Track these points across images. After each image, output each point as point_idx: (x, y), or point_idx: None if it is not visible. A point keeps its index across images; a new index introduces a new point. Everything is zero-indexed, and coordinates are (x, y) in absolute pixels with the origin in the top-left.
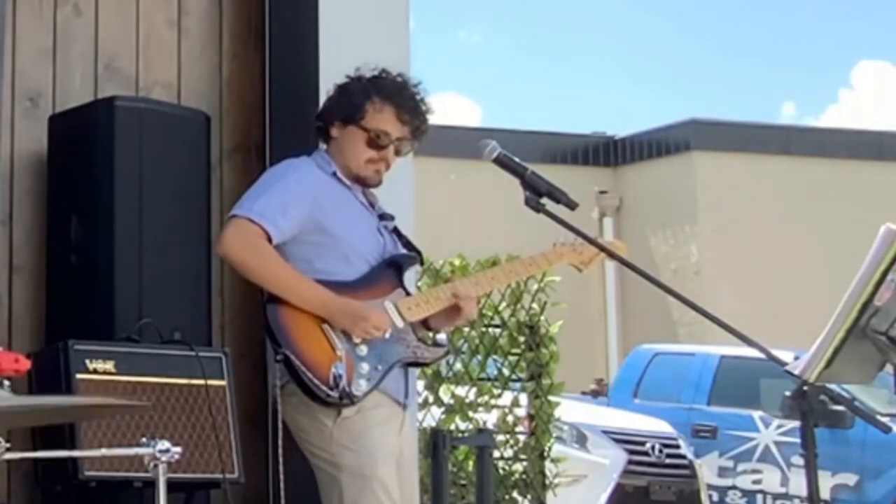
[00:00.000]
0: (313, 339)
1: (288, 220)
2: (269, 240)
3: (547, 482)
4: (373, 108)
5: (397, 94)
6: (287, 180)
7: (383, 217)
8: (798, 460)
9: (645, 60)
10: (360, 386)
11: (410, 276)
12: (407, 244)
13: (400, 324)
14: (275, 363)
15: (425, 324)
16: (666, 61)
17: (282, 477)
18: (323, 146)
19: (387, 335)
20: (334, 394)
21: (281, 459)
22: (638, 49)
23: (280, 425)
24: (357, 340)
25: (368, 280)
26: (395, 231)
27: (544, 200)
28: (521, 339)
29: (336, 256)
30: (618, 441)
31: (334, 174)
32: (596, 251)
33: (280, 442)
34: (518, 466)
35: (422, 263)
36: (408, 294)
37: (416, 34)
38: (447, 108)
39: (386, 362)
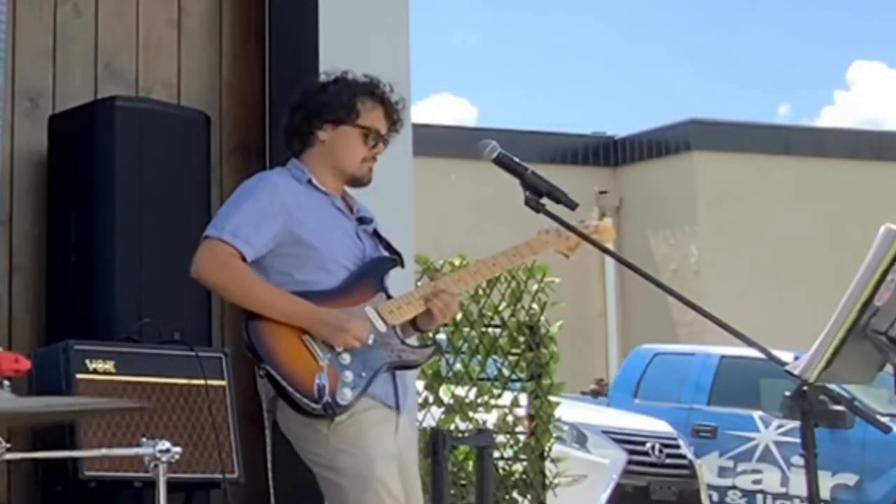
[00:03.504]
0: (295, 351)
1: (261, 237)
2: (243, 258)
3: (547, 482)
4: (363, 106)
5: (381, 92)
6: (259, 196)
7: (363, 221)
8: (798, 460)
9: (643, 61)
10: (345, 395)
11: (397, 278)
12: (388, 247)
13: (382, 328)
14: (259, 378)
15: (413, 325)
16: (663, 62)
17: (271, 480)
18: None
19: (370, 341)
20: (318, 406)
21: (270, 461)
22: (636, 49)
23: (268, 433)
24: (339, 349)
25: (348, 287)
26: (376, 233)
27: (544, 200)
28: (521, 339)
29: (315, 267)
30: (618, 441)
31: (309, 182)
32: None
33: (269, 448)
34: (518, 466)
35: (402, 265)
36: (389, 297)
37: (411, 35)
38: (443, 110)
39: (370, 368)
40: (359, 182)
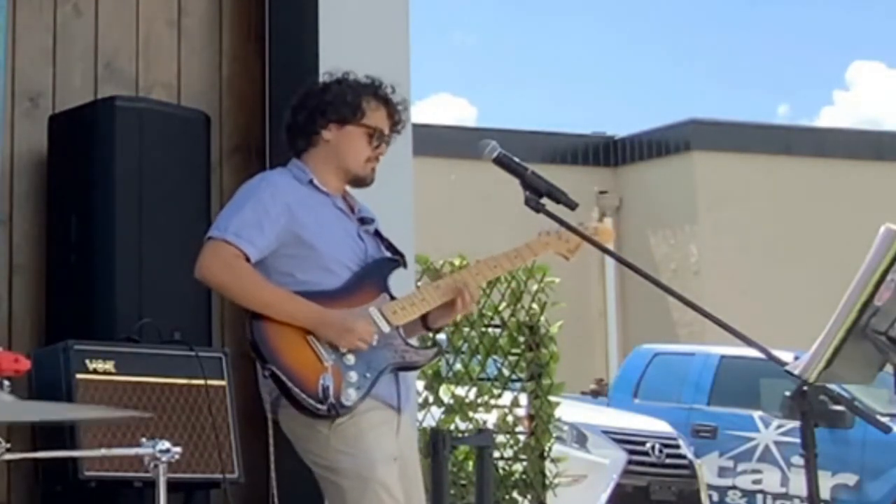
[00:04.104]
0: (300, 352)
1: (264, 237)
2: (247, 259)
3: (547, 482)
4: (368, 106)
5: (384, 92)
6: (261, 196)
7: (364, 221)
8: (798, 460)
9: (642, 61)
10: (350, 396)
11: (398, 278)
12: (389, 246)
13: (386, 329)
14: (263, 378)
15: (424, 322)
16: (664, 62)
17: (273, 480)
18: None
19: (374, 342)
20: (323, 407)
21: (272, 463)
22: (635, 50)
23: (271, 432)
24: (344, 350)
25: (351, 288)
26: (377, 234)
27: (544, 200)
28: (521, 339)
29: (317, 267)
30: (618, 441)
31: (311, 182)
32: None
33: (271, 449)
34: (518, 466)
35: (405, 266)
36: (392, 298)
37: (411, 35)
38: (442, 110)
39: (374, 369)
40: (362, 182)
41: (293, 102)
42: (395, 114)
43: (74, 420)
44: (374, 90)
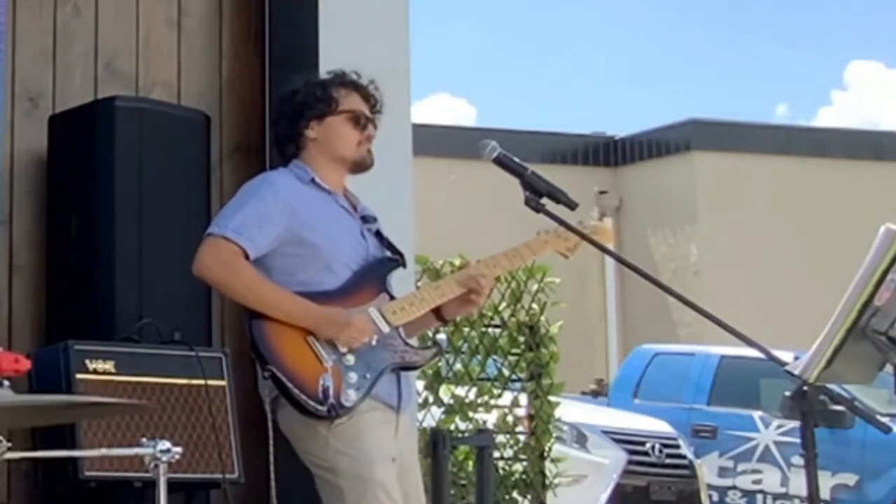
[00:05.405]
0: (299, 352)
1: (265, 235)
2: (247, 256)
3: (547, 482)
4: (339, 94)
5: (349, 79)
6: (262, 194)
7: (366, 219)
8: (798, 460)
9: (641, 61)
10: (350, 396)
11: (396, 278)
12: (390, 246)
13: (385, 329)
14: (262, 379)
15: (437, 314)
16: (662, 63)
17: (272, 480)
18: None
19: (373, 342)
20: (323, 408)
21: (272, 463)
22: (635, 50)
23: (271, 433)
24: (343, 350)
25: (352, 287)
26: (378, 233)
27: (544, 200)
28: (521, 339)
29: (318, 266)
30: (618, 441)
31: (312, 181)
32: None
33: (271, 449)
34: (518, 466)
35: (404, 266)
36: (392, 298)
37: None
38: (441, 110)
39: (374, 370)
40: (362, 166)
41: (272, 117)
42: (368, 96)
43: (73, 402)
44: (339, 80)
